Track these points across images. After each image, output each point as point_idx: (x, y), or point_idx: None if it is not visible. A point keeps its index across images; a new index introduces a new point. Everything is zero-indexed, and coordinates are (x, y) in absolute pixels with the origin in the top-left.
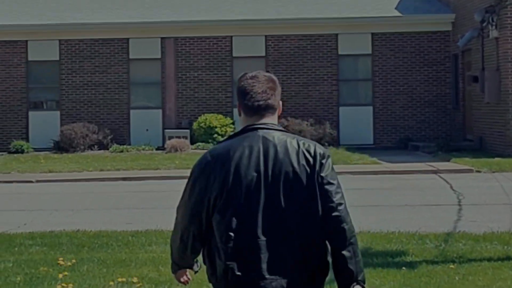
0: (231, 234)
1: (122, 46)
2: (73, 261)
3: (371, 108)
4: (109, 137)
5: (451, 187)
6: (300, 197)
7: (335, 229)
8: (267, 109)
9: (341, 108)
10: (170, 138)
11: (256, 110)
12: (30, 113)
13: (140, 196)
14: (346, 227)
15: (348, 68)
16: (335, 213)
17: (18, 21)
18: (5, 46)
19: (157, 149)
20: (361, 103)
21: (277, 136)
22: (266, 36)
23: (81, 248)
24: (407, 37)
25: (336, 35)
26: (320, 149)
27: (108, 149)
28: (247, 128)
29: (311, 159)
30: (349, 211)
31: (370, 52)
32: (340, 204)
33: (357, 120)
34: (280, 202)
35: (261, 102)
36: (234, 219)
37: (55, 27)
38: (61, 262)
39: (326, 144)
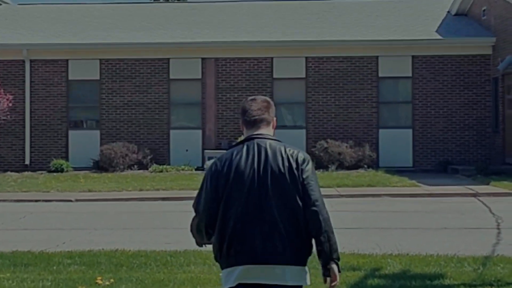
0: (232, 218)
1: (163, 66)
2: (112, 280)
3: (410, 130)
4: (149, 157)
5: (490, 210)
6: (284, 191)
7: (312, 220)
8: (262, 122)
9: (380, 131)
10: (210, 158)
11: (253, 123)
12: (70, 132)
13: (179, 216)
14: (321, 218)
15: (388, 91)
16: (313, 208)
17: (60, 40)
18: (46, 65)
19: (197, 169)
20: (401, 126)
21: (268, 143)
22: (306, 57)
23: (120, 267)
24: (447, 60)
25: (377, 57)
26: (302, 155)
27: (147, 169)
28: (246, 138)
29: (293, 163)
30: (325, 204)
31: (410, 74)
32: (317, 200)
33: (397, 142)
34: (268, 194)
35: (256, 117)
36: (235, 207)
37: (96, 47)
38: (99, 282)
39: (365, 166)
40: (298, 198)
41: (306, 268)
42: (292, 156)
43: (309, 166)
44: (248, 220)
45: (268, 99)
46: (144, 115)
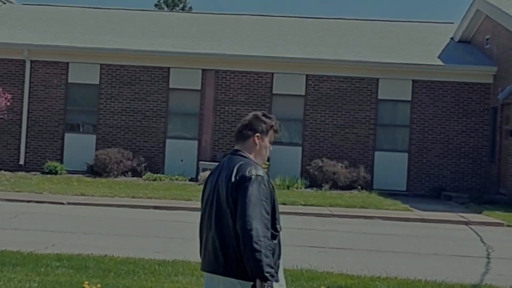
0: (200, 228)
1: (163, 75)
2: (99, 285)
3: (406, 154)
4: (143, 165)
5: (481, 239)
6: (220, 207)
7: (240, 236)
8: (239, 137)
9: (376, 153)
10: (204, 170)
11: (235, 138)
12: (66, 135)
13: (170, 226)
14: (245, 235)
15: (387, 113)
16: (239, 224)
17: (61, 42)
18: (46, 67)
19: (191, 180)
20: (397, 149)
21: (232, 159)
22: (307, 75)
23: (108, 273)
24: (447, 86)
25: (377, 79)
26: (246, 173)
27: (141, 177)
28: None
29: (233, 179)
30: (259, 223)
31: (409, 98)
32: (244, 217)
33: (392, 165)
34: (212, 208)
35: (236, 132)
36: (202, 218)
37: (98, 51)
38: (87, 286)
39: (359, 187)
40: (230, 215)
41: (244, 282)
42: (238, 174)
43: (247, 184)
44: (203, 231)
45: (258, 114)
46: (142, 122)
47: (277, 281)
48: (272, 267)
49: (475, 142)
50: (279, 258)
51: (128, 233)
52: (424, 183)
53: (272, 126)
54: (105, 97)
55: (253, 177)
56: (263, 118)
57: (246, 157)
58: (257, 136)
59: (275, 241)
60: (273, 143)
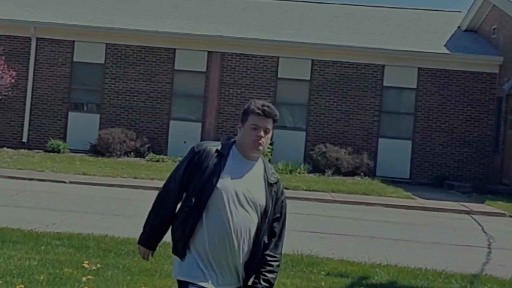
0: None
1: (168, 56)
2: (98, 265)
3: (410, 142)
4: (146, 146)
5: (483, 229)
6: None
7: None
8: None
9: (380, 140)
10: None
11: None
12: (70, 114)
13: None
14: None
15: (392, 100)
16: None
17: (68, 21)
18: (52, 45)
19: None
20: (401, 137)
21: None
22: (312, 60)
23: (108, 253)
24: (453, 75)
25: (383, 66)
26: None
27: (144, 157)
28: None
29: None
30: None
31: (415, 86)
32: None
33: (395, 153)
34: None
35: None
36: None
37: (103, 30)
38: (86, 265)
39: (362, 174)
40: None
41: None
42: None
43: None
44: None
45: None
46: (146, 103)
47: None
48: (144, 232)
49: (479, 132)
50: (186, 236)
51: (129, 214)
52: (427, 172)
53: (252, 110)
54: (110, 77)
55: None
56: (245, 107)
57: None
58: (239, 127)
59: (182, 214)
60: (277, 127)
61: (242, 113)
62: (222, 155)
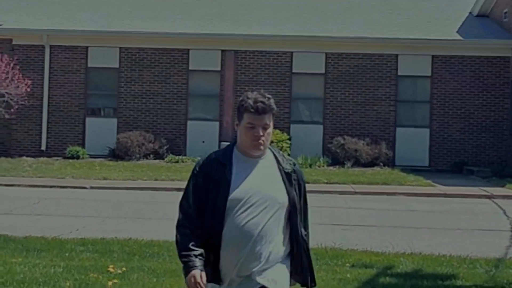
0: None
1: (182, 57)
2: (124, 269)
3: (427, 130)
4: (165, 147)
5: (505, 212)
6: None
7: None
8: None
9: (398, 129)
10: None
11: None
12: (87, 119)
13: None
14: None
15: (407, 89)
16: None
17: (80, 27)
18: (65, 52)
19: None
20: (418, 125)
21: None
22: (326, 53)
23: (132, 256)
24: (467, 61)
25: (397, 55)
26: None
27: (163, 159)
28: None
29: None
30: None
31: (429, 74)
32: None
33: (414, 141)
34: None
35: None
36: None
37: (116, 34)
38: (111, 270)
39: (381, 164)
40: None
41: None
42: None
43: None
44: None
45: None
46: (162, 105)
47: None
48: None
49: (495, 116)
50: (212, 264)
51: (151, 216)
52: (446, 158)
53: (245, 108)
54: (125, 81)
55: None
56: (238, 104)
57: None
58: (236, 124)
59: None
60: (294, 121)
61: (237, 110)
62: (225, 165)
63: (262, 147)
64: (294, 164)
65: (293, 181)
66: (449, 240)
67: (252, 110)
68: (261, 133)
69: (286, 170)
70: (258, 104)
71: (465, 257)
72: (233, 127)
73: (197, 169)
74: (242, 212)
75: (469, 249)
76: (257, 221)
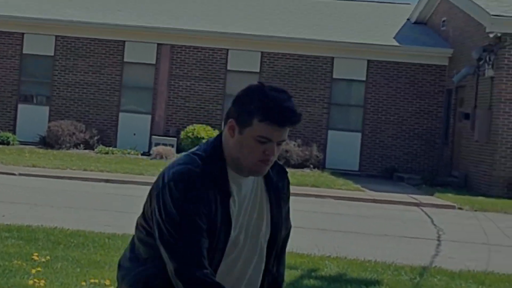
0: None
1: (118, 48)
2: (48, 257)
3: (359, 134)
4: (96, 138)
5: (432, 221)
6: None
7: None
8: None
9: (330, 132)
10: (157, 144)
11: None
12: (20, 106)
13: (121, 200)
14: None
15: (341, 93)
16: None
17: (17, 13)
18: (1, 37)
19: (143, 154)
20: (351, 129)
21: None
22: (262, 52)
23: (57, 245)
24: (402, 67)
25: (332, 58)
26: (167, 177)
27: (93, 150)
28: None
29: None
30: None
31: (364, 78)
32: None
33: (345, 145)
34: None
35: None
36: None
37: (53, 22)
38: (36, 258)
39: (312, 166)
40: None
41: None
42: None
43: (161, 193)
44: None
45: (240, 92)
46: (95, 95)
47: None
48: None
49: (428, 124)
50: None
51: (78, 206)
52: (376, 164)
53: (265, 114)
54: (60, 69)
55: (168, 183)
56: (247, 97)
57: (191, 153)
58: (231, 125)
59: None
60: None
61: (240, 110)
62: (227, 194)
63: (265, 170)
64: (286, 172)
65: (281, 201)
66: (375, 246)
67: (277, 119)
68: (275, 152)
69: (275, 185)
70: (285, 113)
71: (391, 263)
72: (166, 122)
73: (193, 193)
74: (231, 256)
75: (395, 255)
76: (245, 268)
